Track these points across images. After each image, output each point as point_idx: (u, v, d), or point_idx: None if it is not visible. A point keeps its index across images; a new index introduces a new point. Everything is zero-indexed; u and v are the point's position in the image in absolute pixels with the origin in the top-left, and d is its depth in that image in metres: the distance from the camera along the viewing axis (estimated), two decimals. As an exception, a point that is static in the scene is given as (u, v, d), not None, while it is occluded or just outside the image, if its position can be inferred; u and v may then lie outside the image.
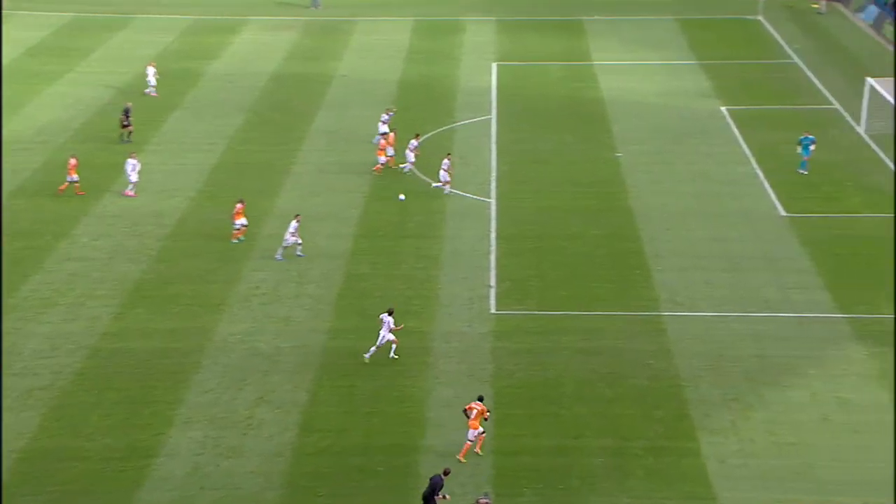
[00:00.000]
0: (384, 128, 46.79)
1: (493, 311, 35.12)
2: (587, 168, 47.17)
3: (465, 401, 29.83)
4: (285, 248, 37.60)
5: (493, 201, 43.34)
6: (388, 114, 48.23)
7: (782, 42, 66.51)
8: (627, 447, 28.39)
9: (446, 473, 25.86)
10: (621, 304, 35.57)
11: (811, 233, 40.52)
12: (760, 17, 71.40)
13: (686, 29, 69.26)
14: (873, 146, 49.08)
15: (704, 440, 28.51)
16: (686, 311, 35.19)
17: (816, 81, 58.80)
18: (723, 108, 54.66)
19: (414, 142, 45.33)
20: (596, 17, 71.76)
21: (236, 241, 38.90)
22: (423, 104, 54.31)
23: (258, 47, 64.35)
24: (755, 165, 47.30)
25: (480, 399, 28.34)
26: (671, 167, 47.30)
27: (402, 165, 44.94)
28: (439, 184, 43.21)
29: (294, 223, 37.55)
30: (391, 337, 31.61)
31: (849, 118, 52.88)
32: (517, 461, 28.01)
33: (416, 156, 44.98)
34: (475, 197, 43.66)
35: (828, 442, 28.53)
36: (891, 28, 66.42)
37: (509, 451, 28.41)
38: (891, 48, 65.13)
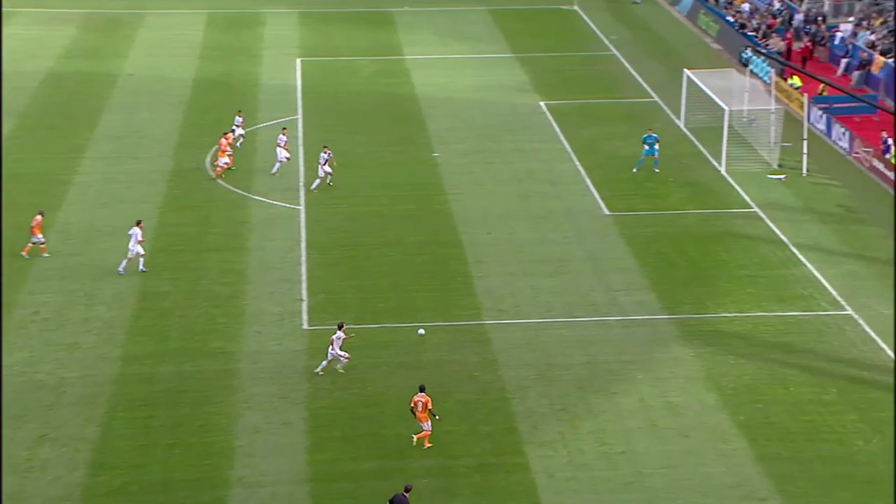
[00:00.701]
0: (240, 130, 46.70)
1: (305, 326, 34.69)
2: (403, 170, 47.27)
3: (276, 427, 29.31)
4: (129, 260, 36.61)
5: (302, 208, 42.91)
6: (240, 116, 47.55)
7: (599, 33, 68.39)
8: (454, 466, 28.38)
9: (408, 490, 25.76)
10: (444, 314, 35.67)
11: (635, 231, 41.60)
12: (576, 7, 73.21)
13: (500, 20, 70.38)
14: (693, 140, 50.88)
15: (533, 454, 28.79)
16: (511, 318, 35.56)
17: (635, 73, 60.59)
18: (542, 103, 55.71)
19: (283, 137, 45.58)
20: (406, 9, 72.17)
21: (27, 257, 37.43)
22: (221, 105, 53.35)
23: (29, 43, 62.11)
24: (577, 163, 48.31)
25: (422, 389, 28.79)
26: (491, 167, 47.90)
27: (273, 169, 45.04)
28: (318, 181, 43.17)
29: (137, 230, 36.51)
30: (343, 354, 31.62)
31: (668, 111, 54.65)
32: (335, 488, 27.59)
33: (286, 151, 45.17)
34: (282, 204, 43.17)
35: (657, 448, 29.07)
36: (706, 18, 69.32)
37: (326, 477, 27.98)
38: (707, 39, 67.91)
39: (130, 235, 37.12)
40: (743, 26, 66.66)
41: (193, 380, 31.68)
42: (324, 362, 31.97)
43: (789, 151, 48.74)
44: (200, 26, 66.71)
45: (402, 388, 31.55)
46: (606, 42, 66.46)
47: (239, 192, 43.65)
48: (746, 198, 44.95)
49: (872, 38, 59.76)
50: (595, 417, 30.44)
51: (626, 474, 28.19)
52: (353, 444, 29.13)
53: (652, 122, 53.09)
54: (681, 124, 52.84)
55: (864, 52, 58.17)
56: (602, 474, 28.16)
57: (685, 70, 53.11)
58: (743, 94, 50.40)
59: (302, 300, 36.14)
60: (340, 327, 32.03)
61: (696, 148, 49.80)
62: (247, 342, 33.59)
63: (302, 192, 44.38)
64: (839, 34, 62.13)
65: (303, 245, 39.93)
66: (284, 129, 47.12)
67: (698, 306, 36.34)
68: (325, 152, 44.21)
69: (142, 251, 37.08)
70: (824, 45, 61.82)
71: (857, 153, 48.93)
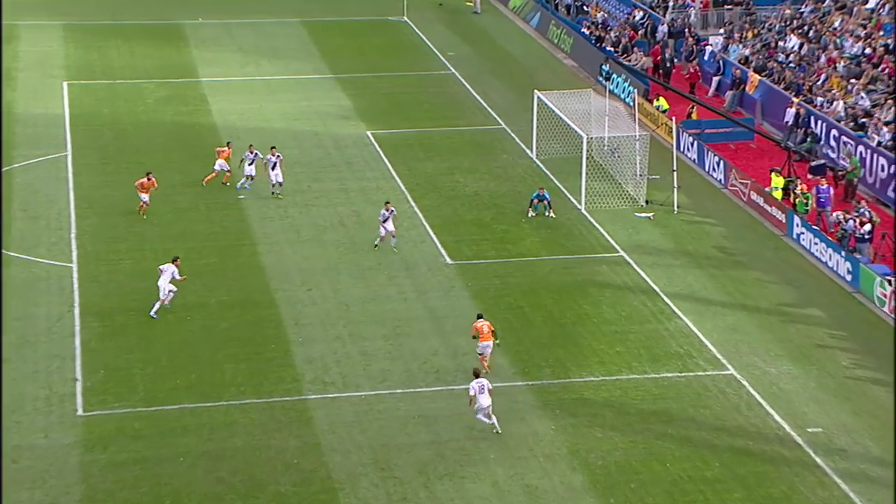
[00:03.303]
0: (250, 168, 48.78)
1: (80, 412, 33.90)
2: (202, 216, 46.98)
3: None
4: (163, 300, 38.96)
5: (74, 266, 42.29)
6: (251, 151, 49.21)
7: (434, 49, 69.44)
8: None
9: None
10: (256, 389, 35.36)
11: (484, 283, 42.15)
12: (406, 19, 74.29)
13: (317, 34, 70.95)
14: (548, 173, 51.92)
15: (369, 557, 28.73)
16: (338, 391, 35.48)
17: (477, 96, 61.66)
18: (369, 133, 56.22)
19: (271, 157, 48.26)
20: (201, 20, 72.08)
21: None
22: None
23: None
24: (413, 203, 48.80)
25: (480, 316, 36.16)
26: (310, 210, 47.98)
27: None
28: (380, 238, 44.16)
29: (173, 268, 39.05)
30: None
31: (517, 140, 55.78)
32: None
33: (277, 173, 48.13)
34: (48, 262, 42.47)
35: (517, 542, 29.44)
36: (557, 31, 71.12)
37: None
38: (559, 55, 69.56)
39: (163, 272, 38.90)
40: (600, 40, 68.61)
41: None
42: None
43: (657, 185, 50.08)
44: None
45: (205, 482, 31.00)
46: (443, 59, 67.39)
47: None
48: (611, 240, 45.99)
49: (746, 52, 62.24)
50: (442, 508, 30.43)
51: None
52: (148, 558, 28.54)
53: (499, 154, 54.12)
54: (532, 155, 53.89)
55: (738, 68, 60.53)
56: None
57: (536, 92, 54.22)
58: (603, 118, 51.71)
59: (76, 380, 35.42)
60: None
61: (551, 183, 50.77)
62: (3, 436, 32.42)
63: (74, 246, 43.64)
64: (708, 48, 64.51)
65: (76, 311, 39.28)
66: (273, 147, 48.88)
67: (559, 370, 36.92)
68: (388, 209, 44.23)
69: (174, 288, 39.13)
70: (692, 60, 64.06)
71: (733, 185, 50.67)
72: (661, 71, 63.36)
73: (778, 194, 48.60)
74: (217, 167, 49.57)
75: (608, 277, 43.08)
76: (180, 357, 37.01)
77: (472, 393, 33.08)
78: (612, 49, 66.40)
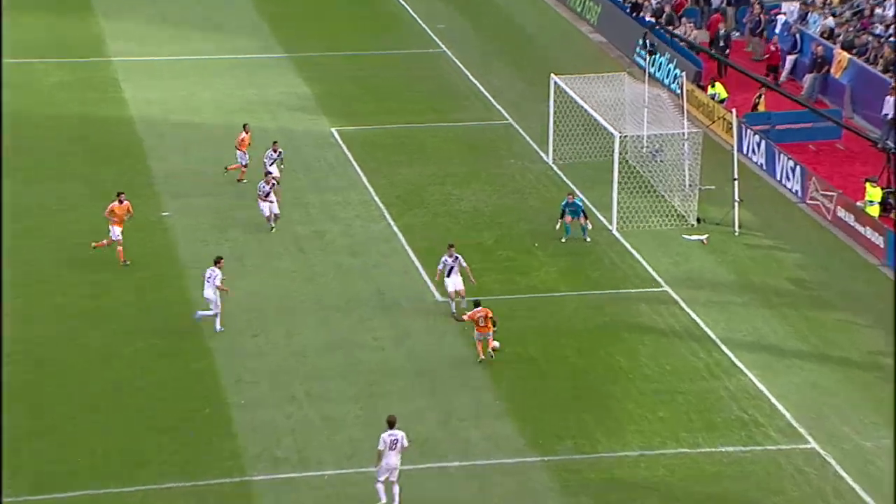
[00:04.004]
0: (274, 170, 50.31)
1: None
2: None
3: None
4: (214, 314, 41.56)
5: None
6: (275, 150, 51.13)
7: (420, 20, 69.68)
8: None
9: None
10: (185, 469, 35.00)
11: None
12: (382, -20, 74.62)
13: (265, 1, 71.53)
14: (567, 182, 51.87)
15: None
16: (294, 469, 35.25)
17: (475, 82, 61.76)
18: (334, 130, 56.33)
19: (272, 153, 50.27)
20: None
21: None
22: None
23: None
24: (391, 221, 48.95)
25: (477, 304, 39.75)
26: (258, 231, 48.08)
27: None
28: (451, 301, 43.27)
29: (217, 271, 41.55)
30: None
31: (527, 139, 55.85)
32: None
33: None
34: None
35: None
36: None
37: None
38: (584, 27, 69.54)
39: (207, 279, 41.19)
40: (637, 8, 68.83)
41: None
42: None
43: (713, 198, 50.10)
44: None
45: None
46: (431, 34, 67.60)
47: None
48: (652, 270, 45.97)
49: (831, 23, 62.36)
50: None
51: None
52: None
53: (504, 157, 54.27)
54: (548, 159, 53.84)
55: (820, 44, 60.66)
56: None
57: (553, 76, 54.12)
58: (641, 110, 51.79)
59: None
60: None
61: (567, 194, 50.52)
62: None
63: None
64: (781, 18, 64.68)
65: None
66: (275, 142, 50.59)
67: (584, 441, 36.66)
68: (451, 254, 43.22)
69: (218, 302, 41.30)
70: (760, 33, 64.16)
71: (813, 199, 50.71)
72: (715, 49, 63.36)
73: (873, 210, 48.71)
74: (239, 160, 51.08)
75: (648, 319, 43.02)
76: (83, 426, 36.76)
77: (380, 447, 33.19)
78: (652, 20, 66.53)
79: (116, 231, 45.08)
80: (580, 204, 47.75)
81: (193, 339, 41.14)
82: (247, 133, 51.34)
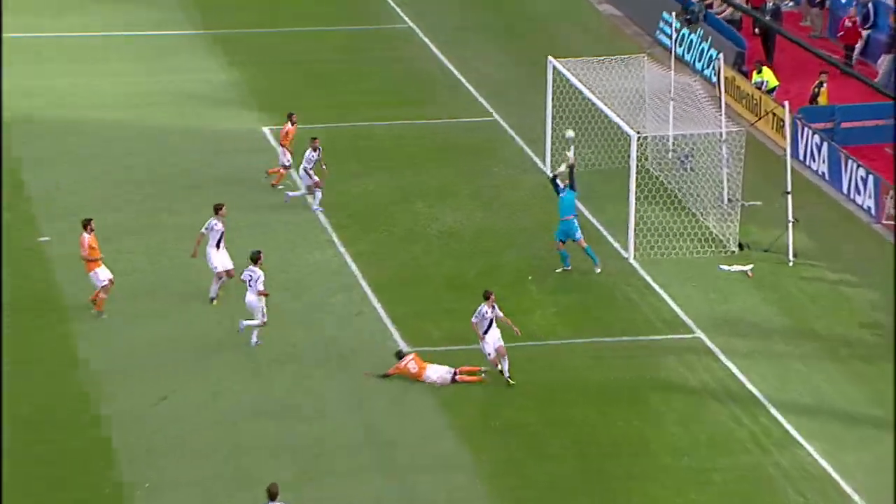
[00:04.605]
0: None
1: None
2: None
3: None
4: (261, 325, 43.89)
5: None
6: (314, 148, 52.49)
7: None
8: None
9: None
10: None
11: (463, 387, 41.92)
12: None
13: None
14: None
15: None
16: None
17: (452, 67, 62.15)
18: (268, 131, 56.79)
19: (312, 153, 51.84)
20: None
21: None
22: None
23: None
24: (342, 249, 49.18)
25: (400, 356, 41.99)
26: (167, 261, 48.23)
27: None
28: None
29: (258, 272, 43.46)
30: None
31: (520, 141, 56.33)
32: None
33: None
34: None
35: None
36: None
37: None
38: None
39: (249, 282, 43.16)
40: (661, -30, 68.77)
41: None
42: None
43: (759, 216, 50.49)
44: None
45: None
46: (393, 5, 68.30)
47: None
48: (680, 311, 46.10)
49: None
50: None
51: None
52: None
53: (489, 164, 54.62)
54: (545, 167, 53.95)
55: (898, 16, 61.05)
56: None
57: (551, 59, 54.38)
58: (665, 103, 52.05)
59: None
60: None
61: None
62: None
63: None
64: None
65: None
66: (315, 138, 51.96)
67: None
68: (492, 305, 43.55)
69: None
70: (821, 3, 64.28)
71: (891, 218, 50.84)
72: (762, 23, 63.29)
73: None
74: (280, 159, 52.96)
75: (676, 375, 43.02)
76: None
77: None
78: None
79: (104, 277, 44.95)
80: (573, 222, 47.70)
81: (80, 400, 41.10)
82: (293, 124, 52.52)
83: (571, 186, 47.49)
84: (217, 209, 44.93)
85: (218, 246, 44.69)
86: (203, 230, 44.57)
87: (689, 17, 58.26)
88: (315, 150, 51.22)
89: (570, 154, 48.05)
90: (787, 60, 59.38)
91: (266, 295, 43.05)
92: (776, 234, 49.34)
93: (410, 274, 47.44)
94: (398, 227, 50.50)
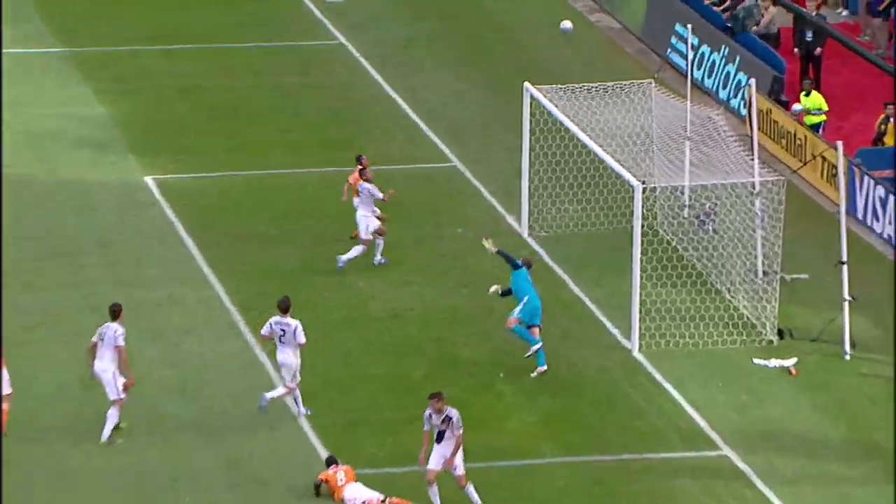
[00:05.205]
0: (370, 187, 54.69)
1: None
2: None
3: None
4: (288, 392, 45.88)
5: None
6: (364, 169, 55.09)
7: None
8: None
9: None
10: None
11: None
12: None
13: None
14: (555, 268, 52.62)
15: None
16: None
17: (397, 97, 62.77)
18: (150, 180, 57.11)
19: (366, 185, 53.95)
20: None
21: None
22: None
23: None
24: (250, 339, 49.03)
25: (329, 463, 42.47)
26: (22, 359, 47.18)
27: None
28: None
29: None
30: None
31: (487, 195, 56.81)
32: None
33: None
34: None
35: None
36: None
37: None
38: (578, 4, 69.50)
39: (281, 337, 45.04)
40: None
41: None
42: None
43: (805, 294, 50.83)
44: None
45: None
46: (321, 17, 69.25)
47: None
48: (701, 420, 46.09)
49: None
50: None
51: None
52: None
53: (444, 223, 54.93)
54: (520, 228, 54.26)
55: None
56: None
57: (527, 86, 54.57)
58: (679, 143, 52.38)
59: None
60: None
61: (563, 291, 51.19)
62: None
63: None
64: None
65: None
66: (361, 156, 54.36)
67: None
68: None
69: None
70: (886, 11, 64.85)
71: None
72: (801, 46, 63.30)
73: None
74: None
75: (697, 501, 42.71)
76: None
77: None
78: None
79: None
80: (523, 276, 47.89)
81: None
82: (364, 167, 53.99)
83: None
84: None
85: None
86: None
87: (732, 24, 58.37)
88: (367, 183, 53.05)
89: (488, 244, 49.14)
90: (838, 87, 58.82)
91: (302, 344, 45.02)
92: (828, 317, 49.40)
93: (342, 375, 47.50)
94: (323, 311, 50.41)
